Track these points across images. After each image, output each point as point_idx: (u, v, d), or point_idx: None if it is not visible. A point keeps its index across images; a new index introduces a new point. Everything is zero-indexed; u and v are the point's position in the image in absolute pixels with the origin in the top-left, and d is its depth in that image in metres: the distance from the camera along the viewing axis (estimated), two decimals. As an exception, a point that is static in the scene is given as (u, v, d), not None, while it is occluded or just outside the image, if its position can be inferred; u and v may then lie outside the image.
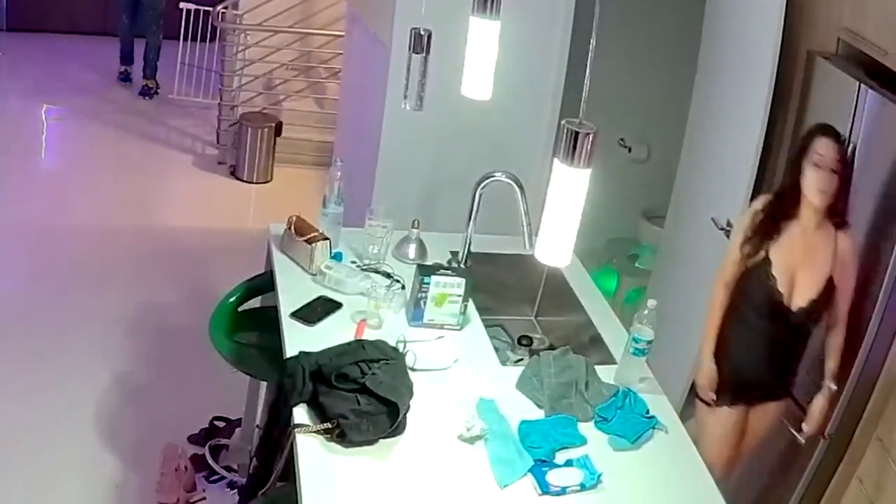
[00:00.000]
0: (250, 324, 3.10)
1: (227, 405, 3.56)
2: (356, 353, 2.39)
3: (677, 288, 3.85)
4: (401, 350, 2.52)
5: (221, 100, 6.22)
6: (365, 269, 2.96)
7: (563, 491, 2.17)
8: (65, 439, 3.43)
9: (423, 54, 2.85)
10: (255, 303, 3.20)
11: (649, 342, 2.53)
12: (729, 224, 3.47)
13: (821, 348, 2.79)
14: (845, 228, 2.69)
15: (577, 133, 1.80)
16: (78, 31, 7.97)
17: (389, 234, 3.03)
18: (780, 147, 3.48)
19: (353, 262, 3.01)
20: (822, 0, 3.23)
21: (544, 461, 2.24)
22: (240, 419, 3.48)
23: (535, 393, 2.50)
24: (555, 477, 2.19)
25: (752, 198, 3.50)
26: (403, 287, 2.88)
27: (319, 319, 2.70)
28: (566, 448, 2.31)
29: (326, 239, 2.94)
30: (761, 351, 2.83)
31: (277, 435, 2.35)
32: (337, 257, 3.00)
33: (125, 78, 7.40)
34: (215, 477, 3.31)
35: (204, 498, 3.22)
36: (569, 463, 2.25)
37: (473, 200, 2.95)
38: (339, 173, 3.02)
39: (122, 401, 3.71)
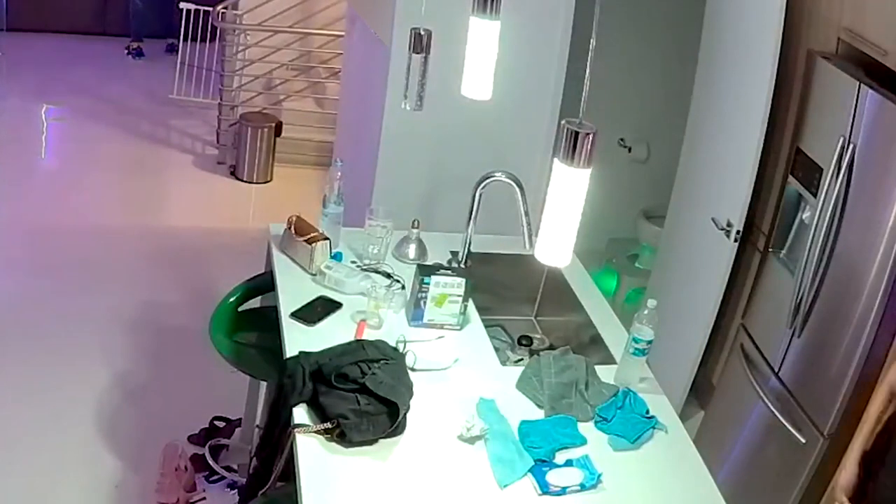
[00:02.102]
0: (250, 324, 3.10)
1: (227, 405, 3.56)
2: (356, 353, 2.39)
3: (677, 288, 3.86)
4: (401, 350, 2.52)
5: (221, 100, 6.22)
6: (365, 269, 2.96)
7: (563, 491, 2.17)
8: (65, 439, 3.43)
9: (423, 54, 2.84)
10: (255, 303, 3.20)
11: (649, 342, 2.53)
12: (729, 224, 3.48)
13: None
14: None
15: (577, 133, 1.80)
16: (78, 31, 7.97)
17: (389, 234, 3.03)
18: (779, 147, 3.49)
19: (353, 262, 3.01)
20: (822, 0, 3.23)
21: (544, 461, 2.24)
22: (240, 419, 3.48)
23: (535, 393, 2.50)
24: (555, 477, 2.19)
25: (752, 198, 3.52)
26: (403, 287, 2.88)
27: (319, 319, 2.70)
28: (566, 448, 2.31)
29: (326, 239, 2.94)
30: None
31: (277, 435, 2.35)
32: (337, 257, 3.00)
33: (138, 54, 7.77)
34: (215, 477, 3.31)
35: (204, 498, 3.22)
36: (569, 463, 2.25)
37: (473, 200, 2.95)
38: (339, 173, 3.02)
39: (122, 401, 3.71)
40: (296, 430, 2.21)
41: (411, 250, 3.11)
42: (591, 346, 2.86)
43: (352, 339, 2.58)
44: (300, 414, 2.28)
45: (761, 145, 3.37)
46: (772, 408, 3.09)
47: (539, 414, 2.44)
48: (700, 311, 3.67)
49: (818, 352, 2.93)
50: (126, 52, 7.83)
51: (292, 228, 2.98)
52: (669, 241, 4.06)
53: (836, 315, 2.84)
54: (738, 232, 3.46)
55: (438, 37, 2.86)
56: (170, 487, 3.16)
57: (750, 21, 3.43)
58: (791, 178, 3.20)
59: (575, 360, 2.57)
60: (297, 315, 2.70)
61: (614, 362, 2.70)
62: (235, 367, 2.98)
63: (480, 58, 2.62)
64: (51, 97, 6.79)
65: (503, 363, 2.71)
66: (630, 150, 4.82)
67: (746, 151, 3.42)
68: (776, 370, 3.14)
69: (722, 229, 3.49)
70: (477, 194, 2.93)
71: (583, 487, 2.18)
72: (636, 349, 2.54)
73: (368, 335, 2.62)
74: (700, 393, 3.93)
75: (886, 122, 2.66)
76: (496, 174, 2.86)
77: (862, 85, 2.77)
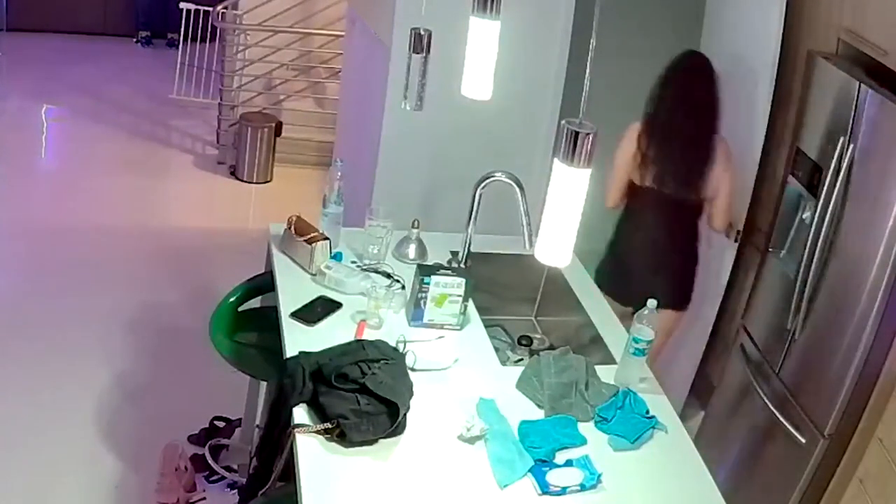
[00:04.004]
0: (250, 324, 3.10)
1: (227, 405, 3.56)
2: (356, 353, 2.39)
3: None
4: (401, 350, 2.52)
5: (221, 100, 6.22)
6: (365, 269, 2.96)
7: (563, 491, 2.17)
8: (65, 439, 3.43)
9: (423, 54, 2.84)
10: (255, 303, 3.20)
11: (649, 342, 2.53)
12: (729, 224, 3.48)
13: None
14: None
15: (577, 133, 1.80)
16: (78, 31, 7.98)
17: (389, 234, 3.03)
18: (779, 147, 3.49)
19: (353, 262, 3.01)
20: (822, 0, 3.23)
21: (544, 461, 2.24)
22: (240, 419, 3.48)
23: (535, 393, 2.50)
24: (555, 477, 2.19)
25: (752, 198, 3.52)
26: (403, 287, 2.88)
27: (319, 319, 2.70)
28: (566, 448, 2.31)
29: (326, 239, 2.94)
30: None
31: (277, 435, 2.35)
32: (337, 257, 3.00)
33: (147, 42, 8.16)
34: (215, 477, 3.31)
35: (204, 498, 3.22)
36: (569, 463, 2.25)
37: (473, 200, 2.95)
38: (339, 173, 3.02)
39: (122, 401, 3.71)
40: (296, 430, 2.21)
41: (411, 250, 3.11)
42: (591, 346, 2.86)
43: (352, 339, 2.58)
44: (300, 414, 2.28)
45: (761, 146, 3.37)
46: (772, 408, 3.09)
47: (539, 414, 2.44)
48: (701, 312, 3.67)
49: (818, 352, 2.93)
50: (135, 41, 8.18)
51: (292, 228, 2.98)
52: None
53: (836, 315, 2.84)
54: (738, 232, 3.46)
55: (438, 37, 2.86)
56: (170, 487, 3.16)
57: (750, 22, 3.43)
58: (791, 178, 3.20)
59: (575, 360, 2.57)
60: (297, 315, 2.70)
61: (614, 362, 2.70)
62: (235, 367, 2.98)
63: (480, 58, 2.62)
64: (51, 97, 6.79)
65: (503, 363, 2.71)
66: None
67: (747, 152, 3.42)
68: (776, 370, 3.14)
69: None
70: (477, 194, 2.93)
71: (583, 487, 2.18)
72: (636, 349, 2.54)
73: (368, 335, 2.62)
74: (700, 393, 3.93)
75: (886, 122, 2.66)
76: (496, 174, 2.86)
77: (862, 85, 2.77)
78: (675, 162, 3.17)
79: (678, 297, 3.38)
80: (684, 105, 3.15)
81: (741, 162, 3.42)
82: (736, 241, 3.51)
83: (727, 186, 3.22)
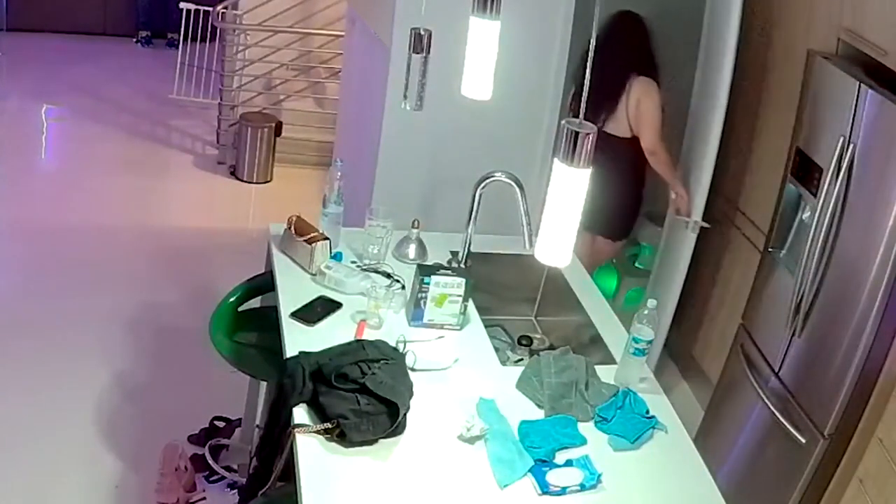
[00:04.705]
0: (250, 324, 3.10)
1: (227, 405, 3.56)
2: (356, 353, 2.39)
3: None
4: (401, 350, 2.52)
5: (221, 100, 6.22)
6: (365, 269, 2.96)
7: (563, 491, 2.17)
8: (65, 439, 3.43)
9: (423, 54, 2.84)
10: (255, 303, 3.20)
11: (649, 342, 2.53)
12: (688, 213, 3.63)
13: None
14: None
15: (577, 133, 1.80)
16: (78, 31, 7.98)
17: (389, 234, 3.03)
18: (779, 147, 3.49)
19: (353, 262, 3.01)
20: (822, 0, 3.23)
21: (544, 461, 2.24)
22: (240, 419, 3.48)
23: (535, 393, 2.50)
24: (555, 477, 2.19)
25: (751, 198, 3.53)
26: (403, 287, 2.88)
27: (319, 319, 2.70)
28: (566, 448, 2.31)
29: (326, 239, 2.94)
30: None
31: (277, 435, 2.35)
32: (337, 257, 3.00)
33: (147, 42, 8.18)
34: (215, 477, 3.31)
35: (204, 498, 3.22)
36: (569, 463, 2.25)
37: (473, 200, 2.95)
38: (339, 173, 3.02)
39: (122, 401, 3.71)
40: (296, 430, 2.21)
41: (411, 250, 3.11)
42: (591, 346, 2.86)
43: (352, 339, 2.58)
44: (300, 414, 2.28)
45: (717, 145, 3.53)
46: (772, 408, 3.09)
47: (539, 414, 2.44)
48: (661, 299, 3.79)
49: (818, 352, 2.93)
50: (135, 41, 8.20)
51: (292, 228, 2.98)
52: (669, 242, 4.06)
53: (836, 315, 2.84)
54: (695, 222, 3.62)
55: (438, 37, 2.86)
56: (170, 487, 3.16)
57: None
58: (791, 178, 3.20)
59: (575, 360, 2.57)
60: (297, 315, 2.70)
61: (614, 362, 2.70)
62: (235, 367, 2.98)
63: (480, 58, 2.61)
64: (51, 97, 6.79)
65: (503, 363, 2.70)
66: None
67: (709, 133, 3.55)
68: (776, 370, 3.14)
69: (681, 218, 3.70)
70: (477, 194, 2.93)
71: (583, 487, 2.18)
72: (636, 349, 2.53)
73: (368, 335, 2.62)
74: (679, 362, 4.13)
75: (886, 122, 2.66)
76: (496, 174, 2.86)
77: (862, 85, 2.77)
78: (596, 95, 3.51)
79: (615, 229, 4.01)
80: (604, 46, 3.47)
81: (703, 152, 3.58)
82: (694, 231, 3.64)
83: (649, 121, 3.68)
